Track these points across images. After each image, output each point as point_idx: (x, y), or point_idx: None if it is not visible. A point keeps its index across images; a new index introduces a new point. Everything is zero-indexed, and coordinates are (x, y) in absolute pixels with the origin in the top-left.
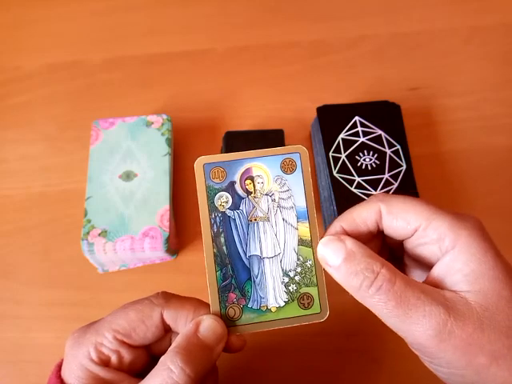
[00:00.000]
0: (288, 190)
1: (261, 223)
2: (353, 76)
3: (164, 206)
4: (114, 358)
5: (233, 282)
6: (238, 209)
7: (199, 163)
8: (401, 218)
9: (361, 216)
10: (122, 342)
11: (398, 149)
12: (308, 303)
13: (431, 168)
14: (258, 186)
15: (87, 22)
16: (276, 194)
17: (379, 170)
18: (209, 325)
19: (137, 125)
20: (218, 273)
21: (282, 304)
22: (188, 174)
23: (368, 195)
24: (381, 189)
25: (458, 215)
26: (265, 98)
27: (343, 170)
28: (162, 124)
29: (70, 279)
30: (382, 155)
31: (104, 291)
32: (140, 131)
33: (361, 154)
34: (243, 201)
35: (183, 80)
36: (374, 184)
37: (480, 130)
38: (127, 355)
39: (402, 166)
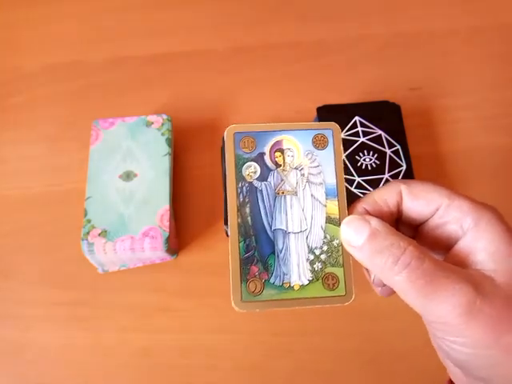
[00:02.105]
0: (318, 166)
1: (288, 197)
2: (353, 76)
3: (164, 205)
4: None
5: (256, 254)
6: (266, 180)
7: (230, 131)
8: (422, 197)
9: (382, 197)
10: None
11: (398, 149)
12: (333, 284)
13: (431, 168)
14: (287, 159)
15: (87, 22)
16: (306, 168)
17: (379, 169)
18: None
19: (137, 125)
20: (241, 244)
21: (306, 282)
22: (188, 173)
23: None
24: None
25: (476, 200)
26: (265, 98)
27: (343, 169)
28: (162, 124)
29: (70, 279)
30: (382, 155)
31: (104, 291)
32: (140, 131)
33: (361, 154)
34: (271, 173)
35: (183, 80)
36: (374, 184)
37: (480, 130)
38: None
39: (401, 166)
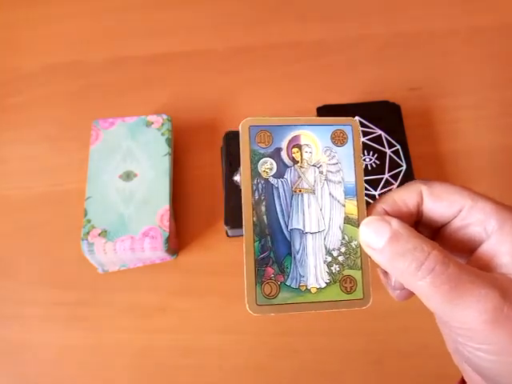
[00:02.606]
0: (337, 164)
1: (305, 195)
2: (353, 76)
3: (164, 205)
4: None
5: (271, 255)
6: (283, 177)
7: (245, 124)
8: (445, 198)
9: (402, 198)
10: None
11: (398, 149)
12: (350, 287)
13: (431, 168)
14: (305, 156)
15: (87, 22)
16: (324, 165)
17: (379, 169)
18: None
19: (137, 125)
20: (257, 243)
21: (323, 285)
22: (188, 173)
23: (368, 195)
24: (381, 189)
25: (499, 201)
26: (265, 98)
27: None
28: (162, 124)
29: (70, 279)
30: (382, 155)
31: (104, 291)
32: (140, 131)
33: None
34: (288, 170)
35: (183, 80)
36: (374, 184)
37: (480, 129)
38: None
39: (401, 166)
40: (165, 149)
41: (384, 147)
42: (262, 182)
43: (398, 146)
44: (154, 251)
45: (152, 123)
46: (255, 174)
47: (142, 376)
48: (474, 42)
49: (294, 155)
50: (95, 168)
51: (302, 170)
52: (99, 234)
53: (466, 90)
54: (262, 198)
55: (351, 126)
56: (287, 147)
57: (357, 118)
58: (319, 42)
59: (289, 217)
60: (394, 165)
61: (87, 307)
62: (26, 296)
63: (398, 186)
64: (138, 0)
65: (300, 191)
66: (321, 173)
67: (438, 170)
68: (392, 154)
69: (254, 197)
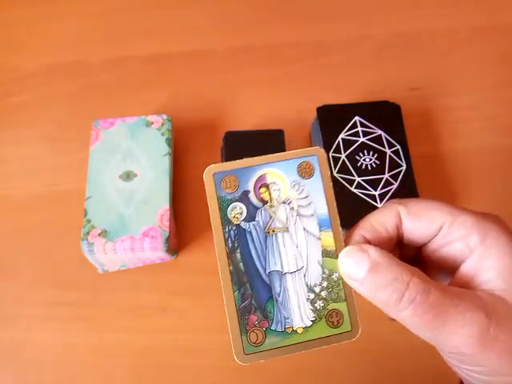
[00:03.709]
0: (307, 197)
1: (279, 235)
2: (353, 76)
3: (164, 206)
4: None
5: (253, 302)
6: (254, 220)
7: (209, 172)
8: (424, 216)
9: (380, 221)
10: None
11: (398, 149)
12: (337, 321)
13: (431, 168)
14: (274, 194)
15: (87, 21)
16: (294, 201)
17: (379, 169)
18: None
19: (137, 125)
20: (236, 293)
21: (309, 323)
22: (188, 174)
23: (368, 195)
24: (381, 189)
25: (480, 212)
26: (265, 98)
27: (343, 169)
28: (162, 124)
29: (70, 279)
30: (382, 155)
31: (104, 291)
32: (140, 131)
33: (361, 154)
34: (259, 211)
35: (183, 80)
36: (374, 184)
37: (480, 129)
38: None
39: (401, 166)
40: (165, 149)
41: (384, 147)
42: (234, 228)
43: (398, 146)
44: (154, 251)
45: (152, 123)
46: (225, 221)
47: (142, 376)
48: (474, 42)
49: (262, 195)
50: (95, 168)
51: (273, 209)
52: (99, 234)
53: (466, 90)
54: (236, 245)
55: (317, 156)
56: (254, 188)
57: (357, 117)
58: (319, 42)
59: (265, 260)
60: (394, 165)
61: (87, 307)
62: (26, 296)
63: (398, 186)
64: (137, 0)
65: (273, 231)
66: (292, 209)
67: (438, 170)
68: (392, 154)
69: (228, 245)
